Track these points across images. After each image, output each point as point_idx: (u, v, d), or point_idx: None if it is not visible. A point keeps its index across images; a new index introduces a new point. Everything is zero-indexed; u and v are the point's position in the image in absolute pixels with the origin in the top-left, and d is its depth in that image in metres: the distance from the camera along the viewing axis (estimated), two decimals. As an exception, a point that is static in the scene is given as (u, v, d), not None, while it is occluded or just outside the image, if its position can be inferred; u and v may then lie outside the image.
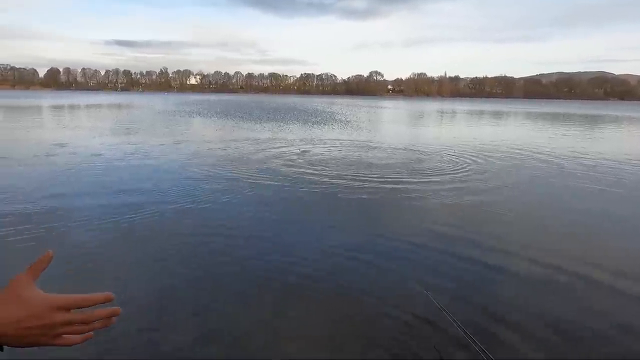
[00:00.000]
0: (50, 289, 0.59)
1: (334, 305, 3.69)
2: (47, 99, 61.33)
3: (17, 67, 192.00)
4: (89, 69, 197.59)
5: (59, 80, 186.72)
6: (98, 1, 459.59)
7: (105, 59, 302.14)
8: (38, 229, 5.35)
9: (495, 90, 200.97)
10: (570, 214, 6.68)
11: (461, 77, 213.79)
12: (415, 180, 8.82)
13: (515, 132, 22.54)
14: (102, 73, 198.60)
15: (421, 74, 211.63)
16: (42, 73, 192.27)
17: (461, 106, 64.75)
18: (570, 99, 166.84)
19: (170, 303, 3.66)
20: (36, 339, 0.64)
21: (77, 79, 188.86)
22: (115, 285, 3.95)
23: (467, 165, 10.63)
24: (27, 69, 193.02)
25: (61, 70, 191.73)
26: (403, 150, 13.52)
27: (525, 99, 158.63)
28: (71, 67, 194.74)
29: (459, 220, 6.14)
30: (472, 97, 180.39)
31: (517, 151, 13.71)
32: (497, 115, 42.17)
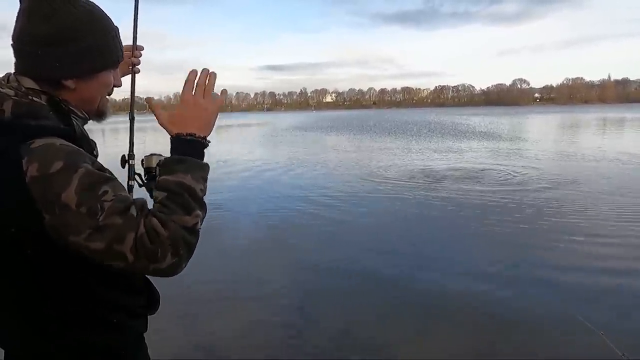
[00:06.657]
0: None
1: (481, 333, 3.42)
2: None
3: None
4: (242, 92, 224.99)
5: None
6: (255, 31, 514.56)
7: (256, 83, 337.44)
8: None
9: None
10: None
11: (631, 79, 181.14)
12: (586, 204, 7.72)
13: None
14: (252, 95, 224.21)
15: (577, 78, 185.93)
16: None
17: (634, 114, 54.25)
18: None
19: (314, 307, 3.86)
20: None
21: (232, 102, 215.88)
22: (263, 285, 4.33)
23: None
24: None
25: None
26: (571, 165, 11.99)
27: None
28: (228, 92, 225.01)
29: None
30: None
31: None
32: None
